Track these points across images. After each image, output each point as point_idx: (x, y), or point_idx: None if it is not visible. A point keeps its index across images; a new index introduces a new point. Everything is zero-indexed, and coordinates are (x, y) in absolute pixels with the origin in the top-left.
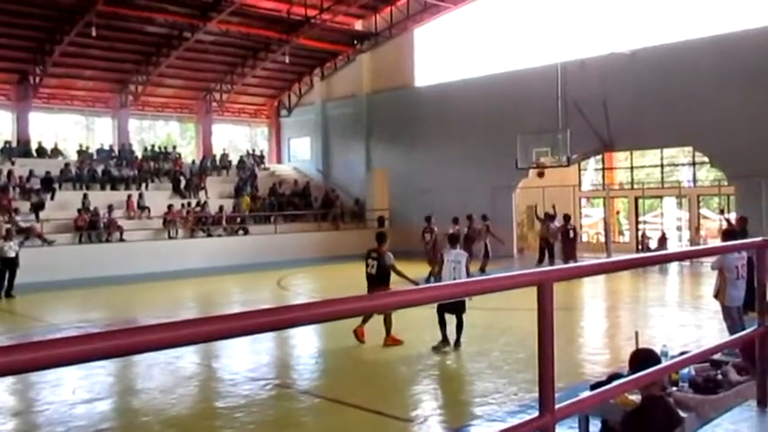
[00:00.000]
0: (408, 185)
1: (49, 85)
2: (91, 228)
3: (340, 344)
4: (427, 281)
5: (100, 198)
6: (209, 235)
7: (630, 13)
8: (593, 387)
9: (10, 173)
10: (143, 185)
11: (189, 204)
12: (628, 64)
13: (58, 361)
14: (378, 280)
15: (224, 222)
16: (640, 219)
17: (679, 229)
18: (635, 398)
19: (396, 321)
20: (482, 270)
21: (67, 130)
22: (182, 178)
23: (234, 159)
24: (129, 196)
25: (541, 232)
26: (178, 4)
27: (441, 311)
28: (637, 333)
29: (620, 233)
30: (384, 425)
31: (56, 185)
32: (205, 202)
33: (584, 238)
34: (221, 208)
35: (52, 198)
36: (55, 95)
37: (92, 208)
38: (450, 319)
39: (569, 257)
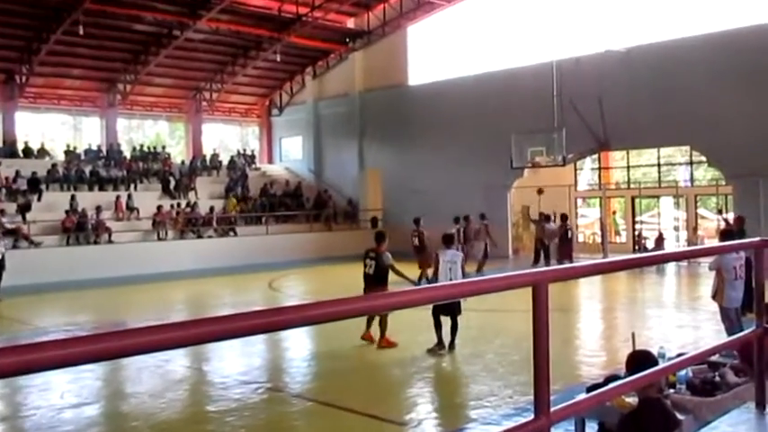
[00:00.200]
0: (402, 185)
1: (36, 85)
2: (79, 229)
3: (333, 346)
4: (418, 283)
5: (88, 199)
6: (200, 236)
7: (626, 9)
8: (589, 389)
9: None
10: (132, 186)
11: (178, 205)
12: (623, 62)
13: (46, 364)
14: (375, 280)
15: (214, 223)
16: (637, 219)
17: (676, 229)
18: (632, 400)
19: (390, 323)
20: (479, 270)
21: (55, 130)
22: (171, 179)
23: (224, 159)
24: (118, 197)
25: (537, 233)
26: (167, 1)
27: (436, 314)
28: (634, 334)
29: (617, 233)
30: (378, 428)
31: (43, 186)
32: (195, 203)
33: (581, 239)
34: (212, 209)
35: (39, 199)
36: (42, 95)
37: (79, 209)
38: (445, 321)
39: (565, 258)
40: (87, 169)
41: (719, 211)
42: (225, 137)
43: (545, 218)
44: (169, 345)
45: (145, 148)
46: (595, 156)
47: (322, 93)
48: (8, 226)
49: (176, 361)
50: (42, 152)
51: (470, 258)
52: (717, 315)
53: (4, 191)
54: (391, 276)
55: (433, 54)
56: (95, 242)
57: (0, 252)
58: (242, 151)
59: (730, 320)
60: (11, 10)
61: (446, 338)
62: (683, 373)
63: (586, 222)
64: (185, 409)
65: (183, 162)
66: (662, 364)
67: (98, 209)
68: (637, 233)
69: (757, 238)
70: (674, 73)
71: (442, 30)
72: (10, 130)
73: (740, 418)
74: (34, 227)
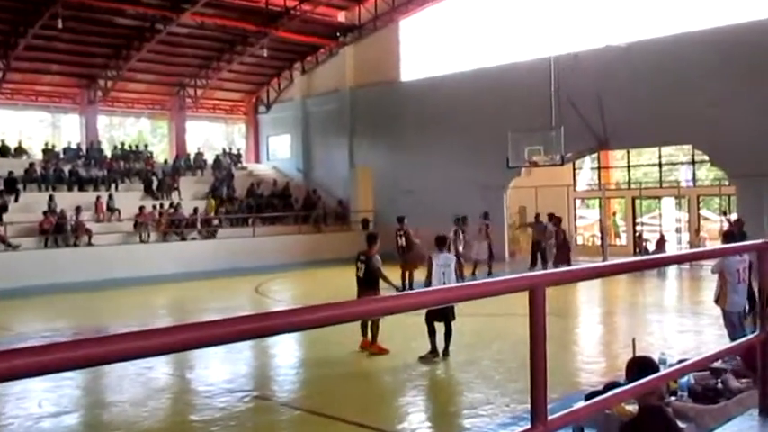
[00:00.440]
0: (394, 185)
1: (13, 81)
2: (57, 231)
3: (322, 353)
4: (402, 288)
5: (67, 200)
6: (183, 238)
7: (626, 3)
8: (588, 397)
9: None
10: (113, 186)
11: (161, 206)
12: (624, 57)
13: (23, 372)
14: (366, 284)
15: (198, 225)
16: (638, 220)
17: (678, 230)
18: (632, 408)
19: (382, 328)
20: (489, 273)
21: (32, 128)
22: (154, 178)
23: (209, 158)
24: (98, 198)
25: (534, 235)
26: None
27: (430, 319)
28: (634, 340)
29: (617, 235)
30: None
31: (20, 186)
32: (178, 204)
33: (579, 241)
34: (196, 210)
35: (16, 200)
36: (19, 91)
37: (58, 210)
38: (439, 327)
39: (562, 262)
40: (66, 169)
41: (723, 213)
42: (210, 135)
43: (541, 221)
44: (152, 351)
45: (126, 147)
46: (595, 155)
47: (311, 89)
48: None
49: (159, 368)
50: (19, 151)
51: (468, 261)
52: (720, 320)
53: None
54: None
55: (427, 49)
56: (75, 244)
57: None
58: (227, 150)
59: (733, 325)
60: None
61: (440, 345)
62: (684, 379)
63: (585, 224)
64: (168, 419)
65: (166, 161)
66: (663, 371)
67: (77, 210)
68: (637, 235)
69: (760, 240)
70: (676, 69)
71: (436, 24)
72: None
73: (744, 425)
74: (11, 229)
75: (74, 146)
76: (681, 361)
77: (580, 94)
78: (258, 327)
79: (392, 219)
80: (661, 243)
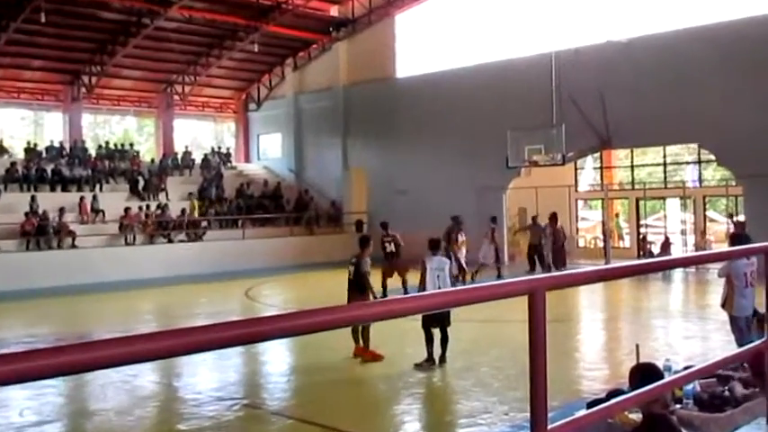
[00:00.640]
0: (389, 186)
1: None
2: (39, 233)
3: (314, 359)
4: (385, 294)
5: (49, 200)
6: (171, 241)
7: None
8: (590, 405)
9: None
10: (97, 186)
11: (148, 207)
12: (626, 53)
13: (3, 379)
14: (355, 287)
15: (186, 227)
16: (642, 222)
17: (683, 232)
18: (635, 416)
19: (376, 334)
20: (499, 276)
21: (14, 126)
22: (140, 178)
23: (197, 158)
24: (82, 198)
25: (531, 239)
26: None
27: (427, 326)
28: (638, 346)
29: (620, 237)
30: None
31: (0, 186)
32: (165, 205)
33: (581, 243)
34: (183, 211)
35: None
36: (0, 87)
37: (40, 211)
38: (435, 334)
39: (561, 264)
40: (49, 168)
41: (730, 216)
42: (198, 133)
43: (538, 224)
44: (137, 358)
45: (111, 146)
46: (597, 154)
47: (303, 86)
48: None
49: (145, 376)
50: (0, 150)
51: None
52: (726, 325)
53: None
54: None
55: (423, 44)
56: (58, 247)
57: None
58: (216, 149)
59: (740, 330)
60: None
61: (436, 352)
62: (690, 387)
63: (587, 226)
64: (154, 428)
65: (152, 161)
66: (668, 378)
67: (61, 211)
68: (641, 237)
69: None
70: (680, 65)
71: (433, 18)
72: None
73: None
74: None
75: (57, 144)
76: (686, 368)
77: (581, 91)
78: (248, 332)
79: (387, 220)
80: (666, 245)
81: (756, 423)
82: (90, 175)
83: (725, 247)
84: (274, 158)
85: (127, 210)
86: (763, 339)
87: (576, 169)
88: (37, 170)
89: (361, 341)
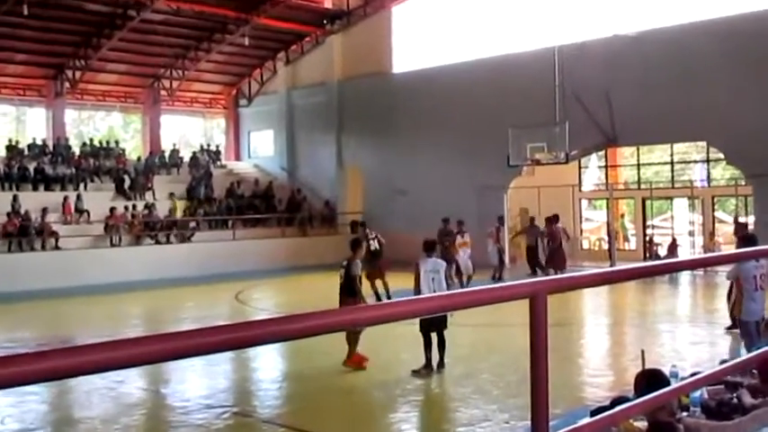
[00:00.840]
0: (385, 185)
1: None
2: (21, 234)
3: (306, 365)
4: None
5: (32, 200)
6: (158, 242)
7: None
8: (593, 413)
9: None
10: (81, 186)
11: (134, 207)
12: (633, 47)
13: None
14: (346, 291)
15: (174, 228)
16: (648, 223)
17: (691, 234)
18: (641, 424)
19: (370, 339)
20: (499, 278)
21: None
22: (125, 177)
23: (186, 156)
24: (66, 198)
25: (528, 240)
26: None
27: (426, 330)
28: (643, 352)
29: (626, 239)
30: None
31: None
32: (152, 205)
33: (585, 245)
34: (171, 211)
35: None
36: None
37: (22, 211)
38: (433, 338)
39: (558, 267)
40: (31, 166)
41: (736, 220)
42: (186, 130)
43: (536, 224)
44: (123, 363)
45: (96, 143)
46: (602, 152)
47: (296, 81)
48: None
49: (131, 382)
50: None
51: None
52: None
53: None
54: (369, 289)
55: (421, 38)
56: (42, 248)
57: None
58: (205, 147)
59: (750, 335)
60: None
61: (434, 358)
62: (697, 394)
63: (592, 227)
64: None
65: (138, 159)
66: (674, 384)
67: (43, 211)
68: (647, 239)
69: None
70: (689, 60)
71: (431, 10)
72: None
73: None
74: None
75: (39, 142)
76: (694, 374)
77: (586, 87)
78: (238, 337)
79: (383, 221)
80: (673, 247)
81: (766, 431)
82: (74, 174)
83: (734, 249)
84: (266, 156)
85: (112, 210)
86: None
87: (579, 168)
88: (19, 168)
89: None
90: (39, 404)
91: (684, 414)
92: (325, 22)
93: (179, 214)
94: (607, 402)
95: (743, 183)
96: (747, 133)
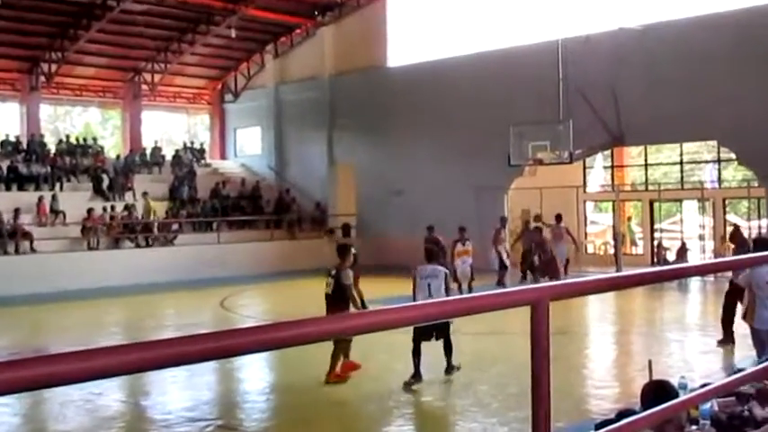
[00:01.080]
0: (379, 185)
1: None
2: None
3: (295, 376)
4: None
5: (4, 200)
6: (138, 245)
7: None
8: (598, 426)
9: None
10: (57, 185)
11: (113, 208)
12: (640, 41)
13: None
14: (335, 301)
15: (156, 230)
16: (656, 226)
17: (701, 237)
18: None
19: (360, 348)
20: (499, 283)
21: None
22: (104, 177)
23: (168, 154)
24: (41, 198)
25: (524, 245)
26: None
27: (417, 339)
28: (650, 362)
29: (632, 243)
30: None
31: None
32: (132, 206)
33: (590, 249)
34: (145, 214)
35: None
36: None
37: None
38: (426, 347)
39: (547, 275)
40: (4, 165)
41: (734, 225)
42: (169, 127)
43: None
44: (101, 374)
45: (73, 140)
46: (608, 152)
47: (285, 75)
48: None
49: (109, 394)
50: None
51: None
52: (748, 338)
53: None
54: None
55: (417, 30)
56: (15, 251)
57: None
58: (189, 144)
59: (763, 344)
60: None
61: (434, 365)
62: (707, 406)
63: (597, 230)
64: None
65: (118, 157)
66: (683, 396)
67: (16, 212)
68: (656, 243)
69: None
70: (699, 55)
71: (428, 1)
72: None
73: None
74: None
75: (12, 139)
76: (703, 385)
77: (591, 83)
78: (223, 346)
79: (378, 224)
80: (682, 252)
81: None
82: (49, 173)
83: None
84: (253, 155)
85: (90, 211)
86: None
87: (584, 168)
88: None
89: (342, 357)
90: (10, 417)
91: (693, 428)
92: (316, 12)
93: (160, 215)
94: (612, 415)
95: (755, 184)
96: (760, 132)
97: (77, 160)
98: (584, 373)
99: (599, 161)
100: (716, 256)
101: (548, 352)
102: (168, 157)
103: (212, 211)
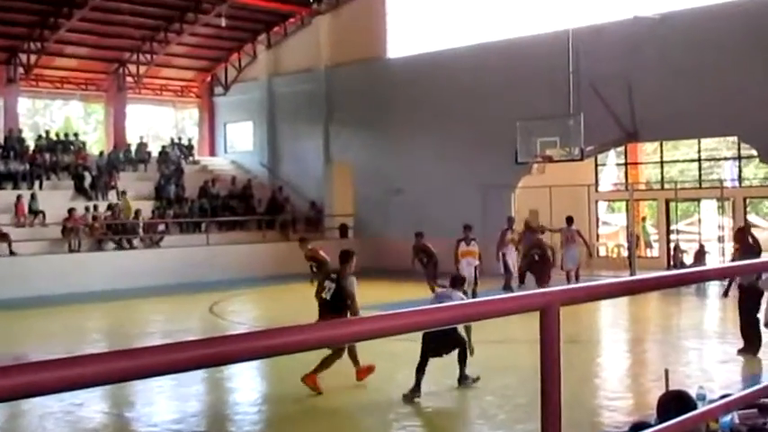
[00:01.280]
0: (378, 184)
1: None
2: None
3: (289, 386)
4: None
5: None
6: (122, 247)
7: None
8: None
9: None
10: (36, 183)
11: (95, 208)
12: (656, 31)
13: None
14: (332, 308)
15: (141, 231)
16: (672, 227)
17: (720, 239)
18: None
19: (362, 356)
20: (506, 287)
21: None
22: (86, 174)
23: (154, 150)
24: (19, 197)
25: (525, 247)
26: None
27: (425, 355)
28: (667, 371)
29: (647, 245)
30: None
31: None
32: (116, 206)
33: (602, 252)
34: (137, 213)
35: None
36: None
37: None
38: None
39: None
40: None
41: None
42: (155, 122)
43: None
44: (82, 383)
45: (53, 136)
46: (621, 149)
47: (278, 67)
48: None
49: (91, 405)
50: None
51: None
52: None
53: None
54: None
55: (419, 19)
56: None
57: None
58: (176, 140)
59: None
60: None
61: (437, 374)
62: (727, 418)
63: (609, 231)
64: None
65: (101, 153)
66: (701, 408)
67: None
68: (672, 245)
69: None
70: (719, 46)
71: None
72: None
73: None
74: None
75: None
76: (723, 396)
77: (603, 75)
78: (212, 353)
79: (376, 225)
80: (700, 254)
81: None
82: (28, 171)
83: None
84: (244, 151)
85: (71, 211)
86: None
87: (596, 166)
88: None
89: (354, 363)
90: None
91: None
92: (311, 0)
93: (146, 215)
94: (626, 428)
95: None
96: None
97: (58, 157)
98: (596, 382)
99: (612, 158)
100: (735, 260)
101: (558, 360)
102: (154, 154)
103: (201, 211)
